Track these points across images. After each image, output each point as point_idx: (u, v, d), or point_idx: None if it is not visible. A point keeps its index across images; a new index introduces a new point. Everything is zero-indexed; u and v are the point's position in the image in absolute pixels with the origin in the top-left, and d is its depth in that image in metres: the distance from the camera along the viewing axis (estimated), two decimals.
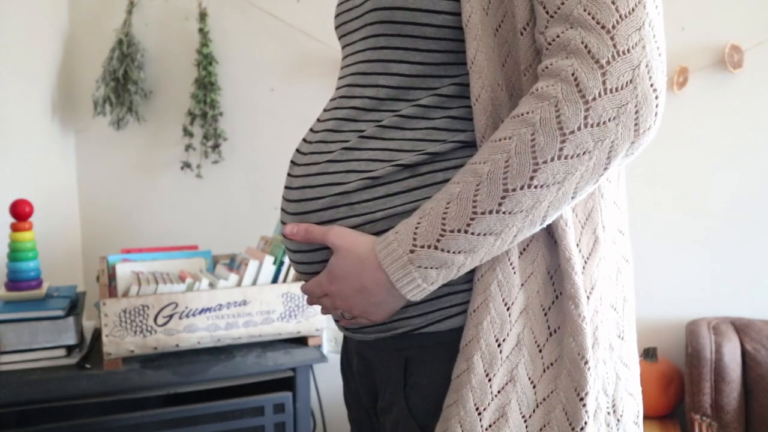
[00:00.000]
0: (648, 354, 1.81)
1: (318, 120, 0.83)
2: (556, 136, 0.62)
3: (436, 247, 0.67)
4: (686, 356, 1.70)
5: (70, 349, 1.51)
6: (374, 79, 0.77)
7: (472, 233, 0.66)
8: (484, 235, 0.66)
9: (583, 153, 0.62)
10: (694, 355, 1.67)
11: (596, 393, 0.73)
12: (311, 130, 0.83)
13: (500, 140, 0.65)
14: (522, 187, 0.63)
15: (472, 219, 0.65)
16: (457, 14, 0.71)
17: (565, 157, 0.62)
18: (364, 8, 0.78)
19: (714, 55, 1.82)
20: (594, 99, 0.61)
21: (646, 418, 1.74)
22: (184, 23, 2.07)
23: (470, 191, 0.66)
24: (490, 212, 0.65)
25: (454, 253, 0.67)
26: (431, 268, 0.68)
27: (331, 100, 0.83)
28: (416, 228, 0.68)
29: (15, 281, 1.53)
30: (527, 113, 0.64)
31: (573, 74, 0.61)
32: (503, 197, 0.64)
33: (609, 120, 0.61)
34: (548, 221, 0.67)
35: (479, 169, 0.66)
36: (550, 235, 0.72)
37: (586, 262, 0.73)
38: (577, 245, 0.73)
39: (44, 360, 1.48)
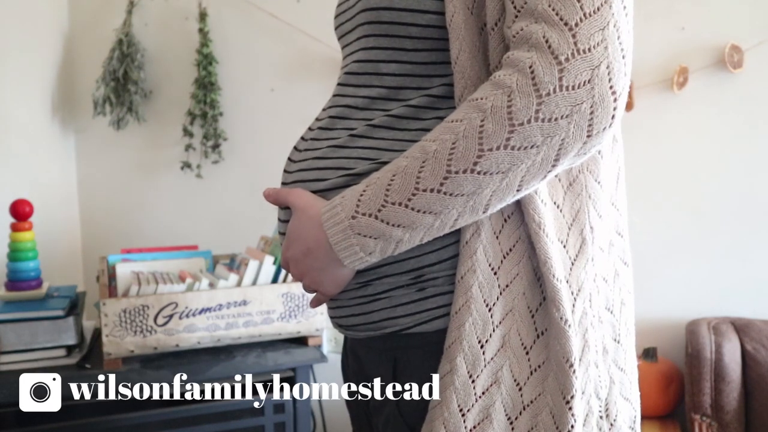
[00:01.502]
0: (648, 354, 1.81)
1: (316, 119, 0.84)
2: (504, 125, 0.61)
3: (376, 217, 0.67)
4: (686, 356, 1.70)
5: (70, 349, 1.51)
6: (366, 79, 0.77)
7: (412, 209, 0.66)
8: (424, 212, 0.66)
9: (531, 146, 0.62)
10: (694, 355, 1.67)
11: (588, 396, 0.72)
12: (309, 128, 0.84)
13: (452, 122, 0.65)
14: (465, 171, 0.63)
15: (413, 194, 0.66)
16: (442, 14, 0.71)
17: (512, 148, 0.62)
18: (356, 9, 0.79)
19: (714, 55, 1.82)
20: (548, 94, 0.60)
21: (646, 418, 1.74)
22: (184, 23, 2.07)
23: (416, 167, 0.66)
24: (431, 190, 0.65)
25: (393, 225, 0.67)
26: (370, 237, 0.68)
27: (329, 99, 0.84)
28: (361, 195, 0.69)
29: (15, 281, 1.53)
30: (481, 99, 0.63)
31: (530, 67, 0.61)
32: (445, 178, 0.64)
33: (561, 117, 0.61)
34: (492, 210, 0.67)
35: (428, 146, 0.66)
36: None
37: (573, 264, 0.73)
38: (564, 246, 0.73)
39: (44, 360, 1.48)
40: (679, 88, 1.83)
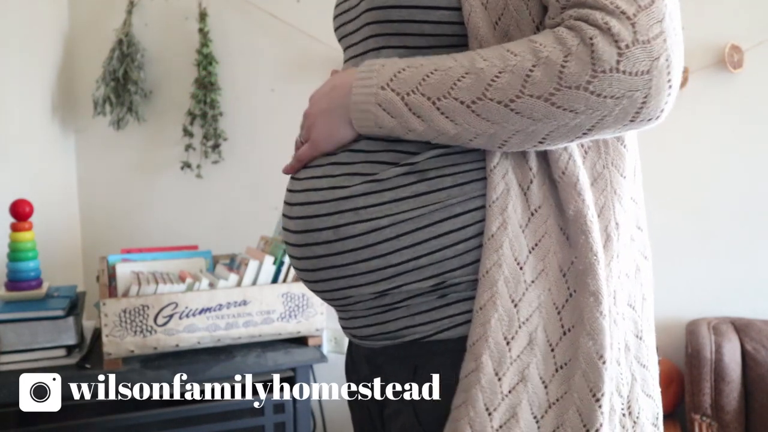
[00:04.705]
0: None
1: None
2: (553, 81, 0.62)
3: (402, 99, 0.68)
4: (686, 356, 1.70)
5: (70, 349, 1.51)
6: None
7: (438, 109, 0.67)
8: (447, 117, 0.66)
9: (570, 110, 0.62)
10: (694, 355, 1.67)
11: (609, 394, 0.70)
12: None
13: (508, 51, 0.65)
14: (499, 102, 0.64)
15: (444, 97, 0.66)
16: (455, 9, 0.70)
17: (552, 104, 0.62)
18: (359, 9, 0.77)
19: (714, 55, 1.82)
20: (603, 72, 0.60)
21: None
22: (184, 23, 2.07)
23: (457, 74, 0.66)
24: (462, 102, 0.65)
25: (414, 114, 0.68)
26: (388, 113, 0.69)
27: None
28: (398, 72, 0.69)
29: (15, 281, 1.53)
30: (540, 44, 0.63)
31: (591, 39, 0.60)
32: (479, 99, 0.65)
33: (610, 97, 0.61)
34: (507, 148, 0.68)
35: (477, 61, 0.66)
36: (563, 233, 0.70)
37: None
38: None
39: (44, 360, 1.48)
40: (679, 88, 1.83)
